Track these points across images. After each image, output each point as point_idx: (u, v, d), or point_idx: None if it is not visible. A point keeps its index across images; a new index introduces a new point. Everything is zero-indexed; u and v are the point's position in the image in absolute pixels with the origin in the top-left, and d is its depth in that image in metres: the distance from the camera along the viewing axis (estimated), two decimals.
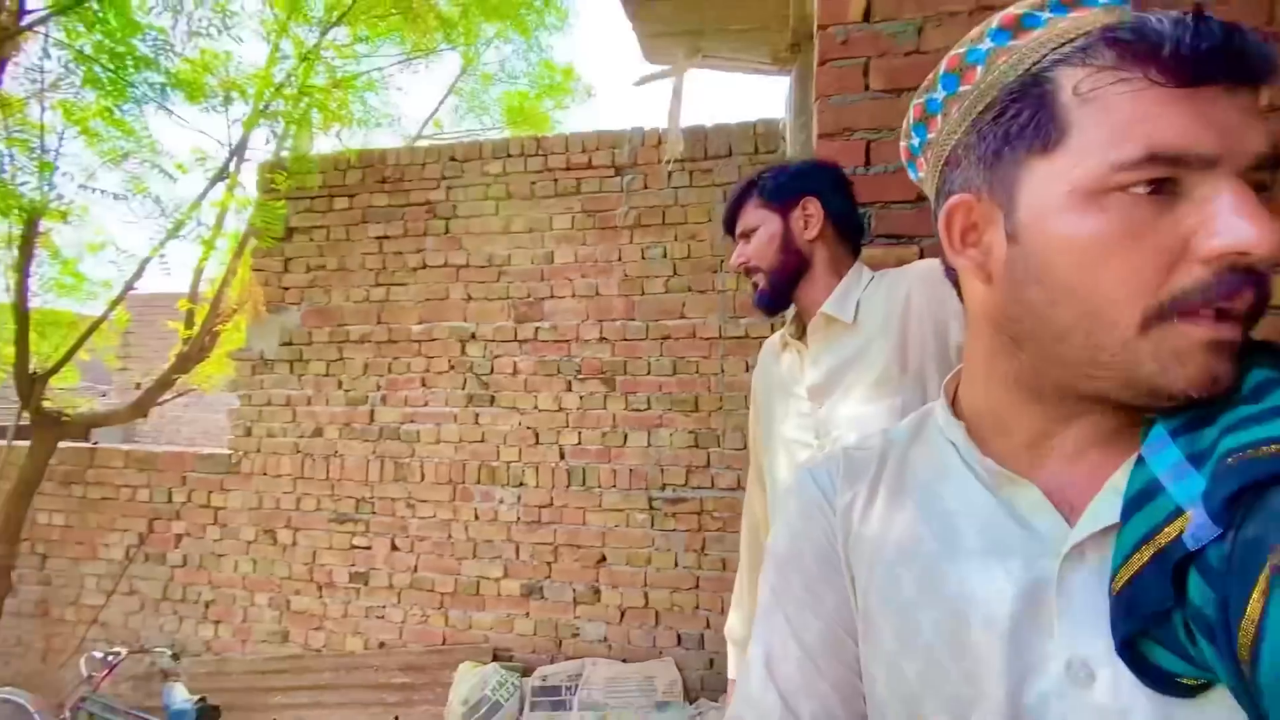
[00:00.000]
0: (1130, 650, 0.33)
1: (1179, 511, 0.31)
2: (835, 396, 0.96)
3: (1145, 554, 0.32)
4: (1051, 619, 0.36)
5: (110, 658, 2.96)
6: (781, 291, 1.03)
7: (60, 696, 3.24)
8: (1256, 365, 0.35)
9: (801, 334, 1.04)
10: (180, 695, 2.83)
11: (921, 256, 1.30)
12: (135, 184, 2.95)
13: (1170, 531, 0.31)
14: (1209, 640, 0.29)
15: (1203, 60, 0.32)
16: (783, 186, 1.04)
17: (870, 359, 0.94)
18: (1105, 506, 0.36)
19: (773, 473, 1.07)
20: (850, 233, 1.05)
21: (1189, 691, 0.32)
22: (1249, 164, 0.33)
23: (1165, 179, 0.33)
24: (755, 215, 1.05)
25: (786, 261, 1.01)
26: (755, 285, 1.05)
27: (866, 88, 1.42)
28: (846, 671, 0.46)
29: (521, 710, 2.64)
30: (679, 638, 2.77)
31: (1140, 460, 0.35)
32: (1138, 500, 0.34)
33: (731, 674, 1.19)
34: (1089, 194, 0.35)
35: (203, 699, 2.85)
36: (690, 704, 2.60)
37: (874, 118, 1.40)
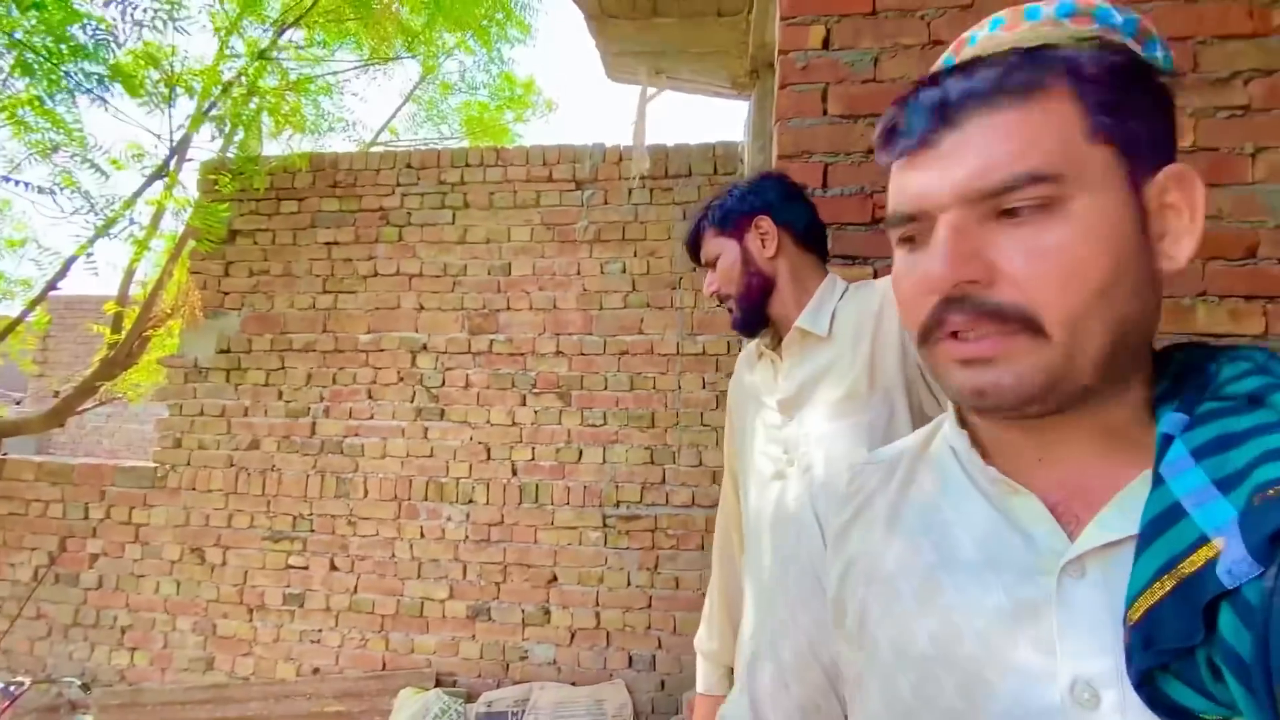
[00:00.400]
0: (1147, 684, 0.32)
1: (1203, 539, 0.31)
2: (804, 410, 0.95)
3: (1166, 584, 0.31)
4: (1051, 635, 0.36)
5: (12, 688, 2.70)
6: (754, 313, 1.02)
7: None
8: (1230, 361, 0.37)
9: (777, 345, 1.03)
10: None
11: (875, 277, 1.32)
12: (64, 178, 2.76)
13: (1195, 561, 0.31)
14: (1239, 680, 0.28)
15: (890, 139, 0.41)
16: (730, 211, 1.04)
17: (840, 373, 0.93)
18: (1111, 519, 0.36)
19: (744, 486, 1.06)
20: (812, 241, 1.04)
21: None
22: (957, 205, 0.38)
23: (909, 236, 0.41)
24: (714, 244, 1.04)
25: (751, 284, 1.01)
26: (730, 311, 1.04)
27: (825, 112, 1.46)
28: (812, 692, 0.49)
29: None
30: (630, 659, 2.72)
31: (1159, 480, 0.34)
32: (1157, 524, 0.33)
33: (700, 688, 1.16)
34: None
35: None
36: None
37: (832, 141, 1.44)
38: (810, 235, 1.04)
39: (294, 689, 2.85)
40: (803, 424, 0.94)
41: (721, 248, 1.03)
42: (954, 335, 0.38)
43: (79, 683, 2.84)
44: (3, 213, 3.71)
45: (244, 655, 2.97)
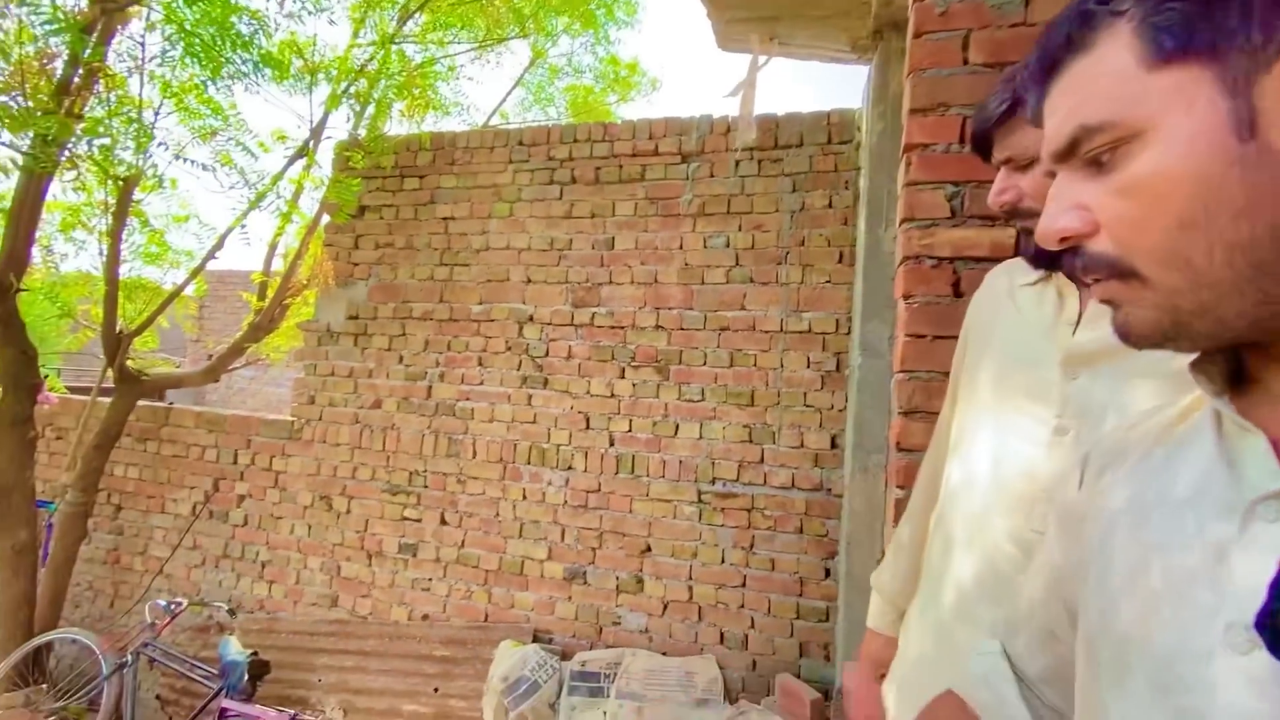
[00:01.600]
0: (1270, 627, 0.30)
1: None
2: (1107, 374, 0.71)
3: None
4: (1229, 575, 0.33)
5: (173, 607, 3.10)
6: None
7: (124, 641, 3.41)
8: None
9: (1059, 268, 0.78)
10: (235, 648, 2.94)
11: (1018, 241, 1.18)
12: (223, 156, 3.08)
13: None
14: None
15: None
16: None
17: None
18: None
19: (969, 422, 0.87)
20: None
21: None
22: (1054, 166, 0.40)
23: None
24: (1033, 138, 0.74)
25: None
26: (1026, 231, 0.80)
27: (965, 61, 1.35)
28: (1061, 610, 0.50)
29: (559, 693, 2.63)
30: (722, 635, 2.72)
31: None
32: None
33: (872, 623, 1.06)
34: None
35: (255, 653, 2.95)
36: (730, 704, 2.54)
37: (972, 92, 1.33)
38: None
39: (406, 631, 3.08)
40: (1101, 390, 0.72)
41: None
42: (1090, 279, 0.40)
43: (227, 607, 3.21)
44: (171, 191, 4.20)
45: (363, 596, 3.24)
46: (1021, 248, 0.83)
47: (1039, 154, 0.72)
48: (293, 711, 2.75)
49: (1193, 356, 0.39)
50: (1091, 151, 0.37)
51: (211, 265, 4.02)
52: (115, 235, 3.41)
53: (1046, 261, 0.78)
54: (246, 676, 2.82)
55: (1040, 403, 0.76)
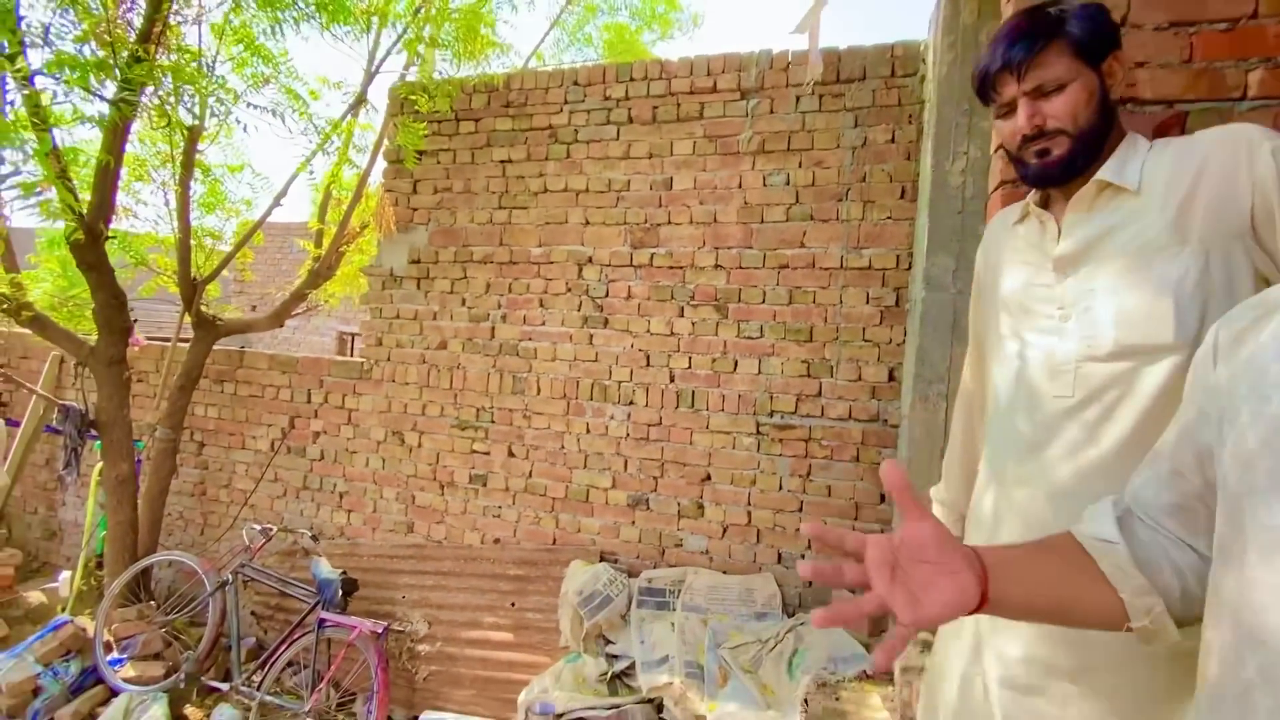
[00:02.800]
0: None
1: None
2: (1088, 265, 0.90)
3: None
4: None
5: (267, 531, 3.37)
6: (1085, 159, 0.91)
7: (222, 563, 3.72)
8: None
9: (1046, 203, 0.97)
10: (326, 567, 3.21)
11: (1020, 169, 1.02)
12: (292, 96, 3.14)
13: None
14: None
15: None
16: (1102, 38, 0.90)
17: (1142, 226, 0.88)
18: None
19: (994, 343, 1.05)
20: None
21: None
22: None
23: None
24: (1065, 67, 0.88)
25: (1100, 124, 0.90)
26: (1044, 152, 0.91)
27: None
28: (1189, 458, 0.60)
29: (629, 606, 2.85)
30: (779, 555, 2.90)
31: None
32: None
33: None
34: None
35: (344, 572, 3.22)
36: (789, 616, 2.73)
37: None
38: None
39: (480, 553, 3.32)
40: (1087, 278, 0.90)
41: (1076, 74, 0.89)
42: None
43: (310, 534, 3.47)
44: (227, 140, 4.28)
45: (437, 523, 3.47)
46: (1022, 173, 0.96)
47: (1066, 80, 0.88)
48: (385, 622, 3.03)
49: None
50: None
51: (281, 207, 4.15)
52: (184, 184, 3.53)
53: (1051, 174, 0.93)
54: (341, 592, 3.09)
55: (1045, 301, 0.95)
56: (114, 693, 3.23)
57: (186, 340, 3.88)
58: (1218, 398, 0.56)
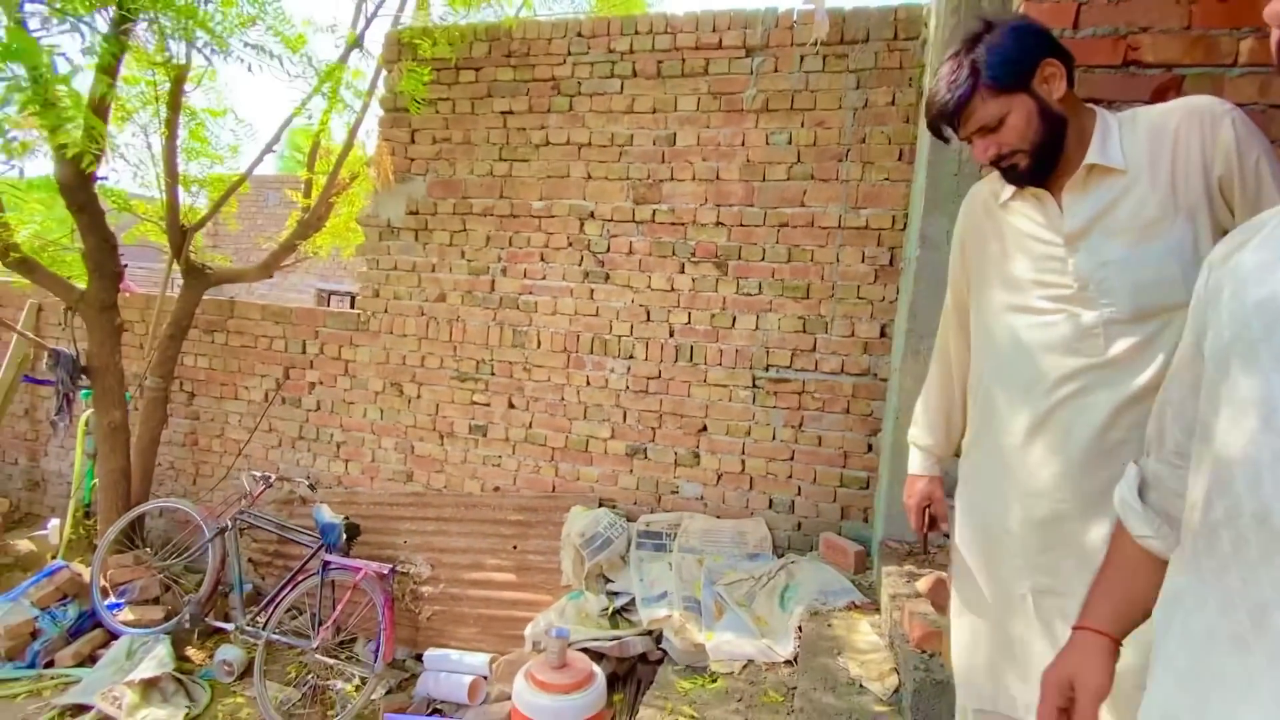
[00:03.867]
0: None
1: None
2: (1095, 239, 1.02)
3: None
4: None
5: (267, 478, 3.41)
6: (1050, 160, 1.03)
7: (219, 511, 3.74)
8: None
9: (1039, 183, 1.07)
10: (328, 513, 3.27)
11: (1005, 173, 1.16)
12: (287, 41, 3.05)
13: None
14: None
15: None
16: (1012, 63, 1.01)
17: (1139, 200, 0.99)
18: None
19: (990, 311, 1.16)
20: (1071, 74, 1.04)
21: None
22: None
23: None
24: (994, 105, 1.02)
25: (1051, 130, 1.02)
26: (1012, 168, 1.06)
27: None
28: (1193, 377, 0.71)
29: (628, 548, 2.99)
30: (770, 501, 3.05)
31: None
32: None
33: (913, 470, 1.42)
34: None
35: (347, 517, 3.28)
36: (778, 557, 2.90)
37: None
38: (1071, 69, 1.05)
39: (480, 500, 3.41)
40: (1097, 252, 1.01)
41: (1008, 106, 1.02)
42: None
43: (308, 482, 3.51)
44: (210, 83, 4.13)
45: (437, 472, 3.55)
46: (1008, 178, 1.10)
47: (1001, 114, 1.02)
48: (391, 564, 3.12)
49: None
50: None
51: (227, 169, 4.06)
52: (171, 126, 3.43)
53: (1025, 181, 1.07)
54: (345, 536, 3.16)
55: (1056, 273, 1.06)
56: (113, 636, 3.28)
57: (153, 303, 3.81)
58: (1204, 305, 0.68)
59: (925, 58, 2.76)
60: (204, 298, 3.84)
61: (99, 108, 2.78)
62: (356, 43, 3.41)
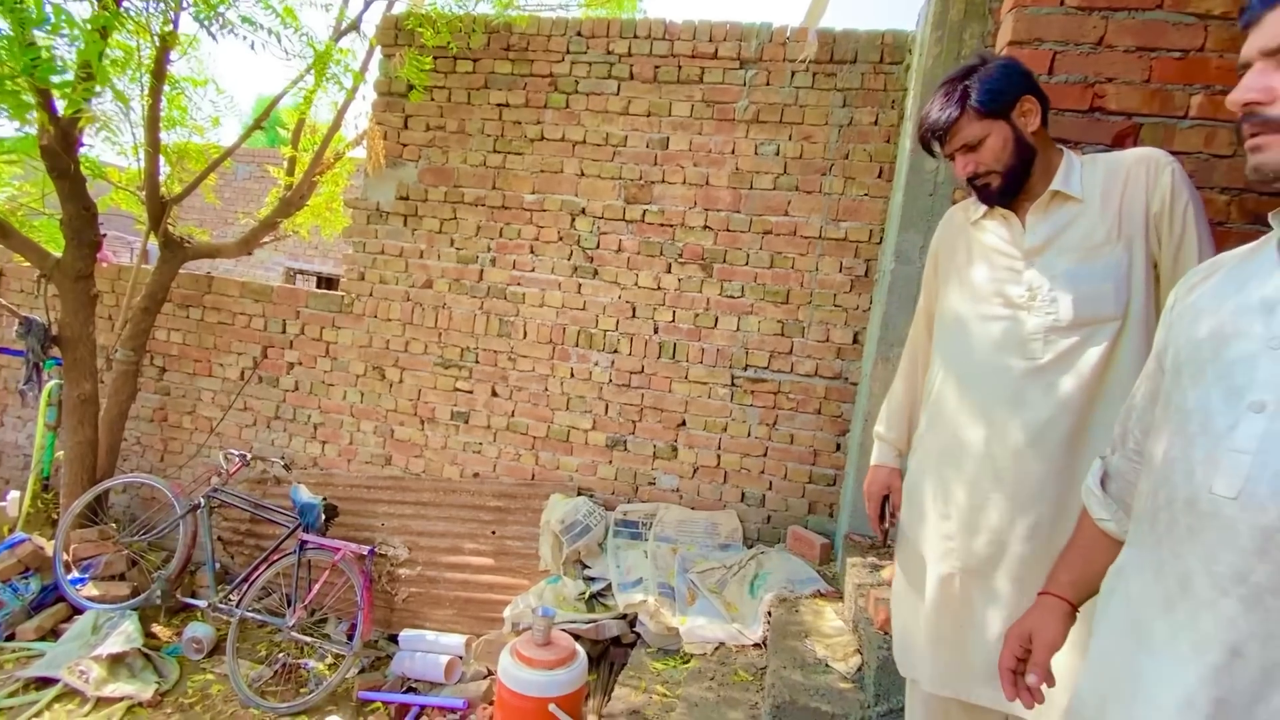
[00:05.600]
0: None
1: None
2: (1049, 256, 1.19)
3: None
4: (1273, 315, 0.67)
5: (243, 456, 3.39)
6: (1018, 184, 1.20)
7: (191, 488, 3.71)
8: None
9: (1006, 205, 1.24)
10: (306, 492, 3.28)
11: (977, 192, 1.34)
12: (287, 12, 3.03)
13: None
14: None
15: (1241, 13, 0.84)
16: (998, 94, 1.17)
17: (1089, 225, 1.17)
18: None
19: (954, 314, 1.33)
20: (1046, 113, 1.22)
21: None
22: (1259, 58, 0.70)
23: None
24: (978, 127, 1.19)
25: (1022, 157, 1.19)
26: (985, 186, 1.21)
27: (1062, 2, 1.61)
28: (1154, 387, 0.83)
29: (605, 536, 3.09)
30: (743, 495, 3.20)
31: None
32: None
33: (875, 460, 1.56)
34: None
35: (325, 498, 3.30)
36: (748, 547, 3.05)
37: (1065, 31, 1.60)
38: (1046, 109, 1.23)
39: (459, 486, 3.47)
40: (1048, 267, 1.19)
41: (989, 129, 1.18)
42: (1249, 135, 0.67)
43: (283, 463, 3.51)
44: (193, 51, 4.04)
45: (416, 456, 3.59)
46: (980, 196, 1.26)
47: (982, 136, 1.19)
48: (371, 545, 3.15)
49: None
50: None
51: (205, 141, 4.00)
52: (155, 95, 3.37)
53: (994, 201, 1.24)
54: (323, 516, 3.18)
55: (1012, 284, 1.22)
56: (76, 610, 3.23)
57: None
58: (1168, 327, 0.82)
59: (909, 82, 2.92)
60: (180, 271, 3.78)
61: (87, 72, 2.72)
62: (354, 25, 3.40)
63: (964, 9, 2.56)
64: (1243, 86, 0.67)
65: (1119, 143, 1.57)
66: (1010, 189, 1.21)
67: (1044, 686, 0.88)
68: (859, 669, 1.96)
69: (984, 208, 1.29)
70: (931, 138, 1.25)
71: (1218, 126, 1.55)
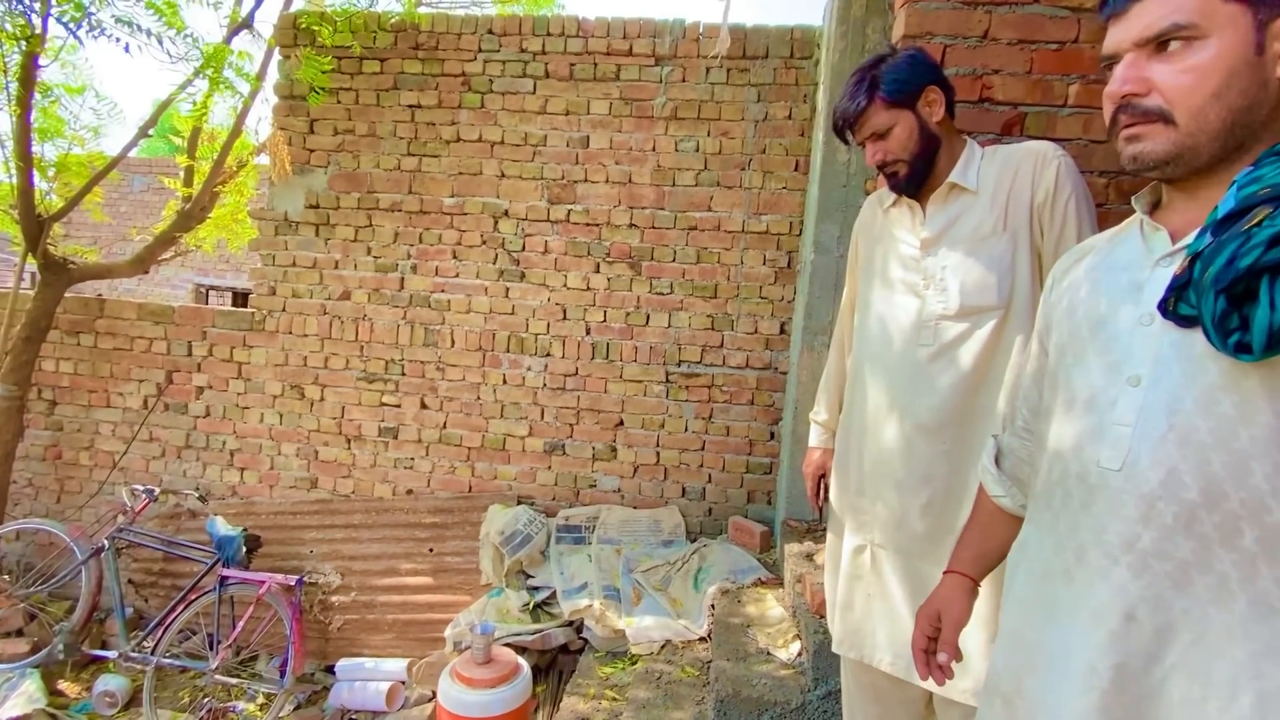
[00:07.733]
0: (1166, 305, 0.66)
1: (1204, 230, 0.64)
2: (943, 246, 1.24)
3: (1190, 259, 0.64)
4: (1142, 295, 0.70)
5: (150, 491, 3.15)
6: (923, 173, 1.23)
7: (93, 530, 3.42)
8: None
9: (914, 194, 1.28)
10: (223, 524, 3.09)
11: (888, 180, 1.38)
12: (171, 20, 2.81)
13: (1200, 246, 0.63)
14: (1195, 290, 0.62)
15: (1103, 6, 0.85)
16: (905, 84, 1.20)
17: (979, 218, 1.21)
18: (1197, 235, 0.67)
19: (867, 299, 1.38)
20: (951, 104, 1.26)
21: (1190, 322, 0.64)
22: (1132, 48, 0.70)
23: (1110, 66, 0.72)
24: (885, 116, 1.21)
25: (926, 146, 1.22)
26: (894, 174, 1.24)
27: None
28: (1038, 367, 0.86)
29: (548, 543, 3.04)
30: (684, 490, 3.22)
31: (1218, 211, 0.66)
32: (1200, 234, 0.64)
33: (812, 443, 1.62)
34: None
35: (245, 529, 3.11)
36: (691, 541, 3.07)
37: (953, 25, 1.66)
38: (951, 100, 1.26)
39: (392, 505, 3.34)
40: (941, 257, 1.24)
41: (896, 119, 1.21)
42: (1125, 126, 0.69)
43: (198, 494, 3.30)
44: (69, 55, 3.70)
45: (344, 477, 3.42)
46: (890, 184, 1.28)
47: (890, 125, 1.23)
48: (299, 575, 2.99)
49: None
50: (1173, 40, 0.63)
51: (149, 137, 3.69)
52: (24, 105, 3.07)
53: (902, 189, 1.27)
54: (244, 549, 3.00)
55: (913, 271, 1.27)
56: None
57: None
58: (1049, 309, 0.85)
59: (819, 76, 2.99)
60: (67, 295, 3.47)
61: None
62: (245, 24, 3.19)
63: (866, 4, 2.64)
64: (1118, 78, 0.68)
65: (1007, 131, 1.65)
66: (916, 178, 1.24)
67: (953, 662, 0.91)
68: (799, 654, 2.00)
69: (894, 196, 1.32)
70: (843, 126, 1.27)
71: (1094, 114, 1.65)
